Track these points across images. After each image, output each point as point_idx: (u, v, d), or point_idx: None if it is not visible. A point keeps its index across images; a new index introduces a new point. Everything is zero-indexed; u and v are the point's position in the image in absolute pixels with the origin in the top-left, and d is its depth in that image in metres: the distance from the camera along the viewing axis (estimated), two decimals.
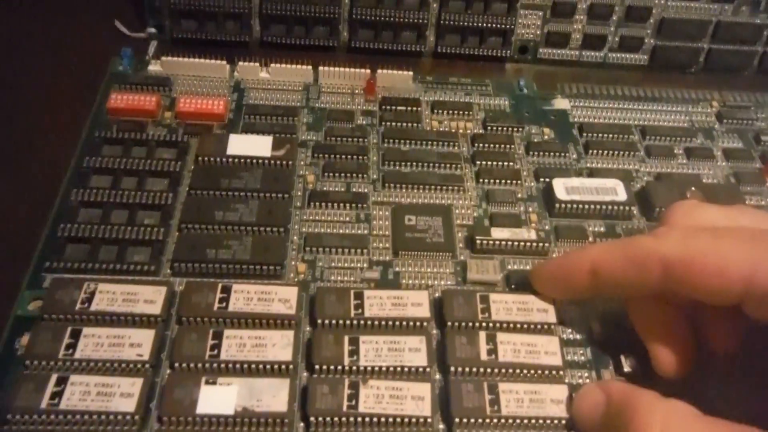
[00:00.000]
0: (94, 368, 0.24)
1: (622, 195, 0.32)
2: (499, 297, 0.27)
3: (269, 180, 0.31)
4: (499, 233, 0.30)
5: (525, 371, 0.25)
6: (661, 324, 0.25)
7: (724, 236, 0.22)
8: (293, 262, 0.29)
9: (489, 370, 0.25)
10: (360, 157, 0.33)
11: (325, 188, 0.32)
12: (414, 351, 0.25)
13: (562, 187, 0.32)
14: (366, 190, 0.32)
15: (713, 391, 0.23)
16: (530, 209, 0.32)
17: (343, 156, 0.33)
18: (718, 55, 0.42)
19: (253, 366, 0.24)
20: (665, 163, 0.35)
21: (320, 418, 0.23)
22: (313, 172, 0.32)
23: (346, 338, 0.25)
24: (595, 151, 0.35)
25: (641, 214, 0.32)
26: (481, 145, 0.34)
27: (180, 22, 0.39)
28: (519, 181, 0.33)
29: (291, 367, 0.25)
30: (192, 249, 0.28)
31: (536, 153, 0.34)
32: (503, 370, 0.25)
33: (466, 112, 0.36)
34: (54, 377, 0.23)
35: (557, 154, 0.34)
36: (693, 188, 0.33)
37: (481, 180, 0.33)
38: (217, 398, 0.23)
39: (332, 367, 0.25)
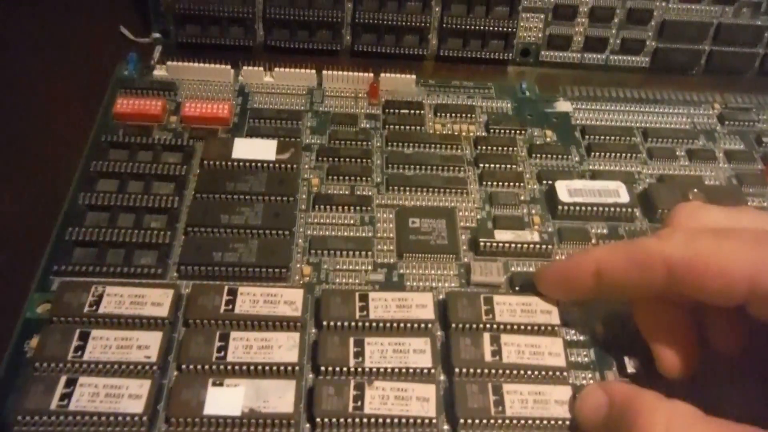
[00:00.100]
0: (103, 370, 0.24)
1: (624, 197, 0.32)
2: (503, 299, 0.27)
3: (274, 183, 0.31)
4: (502, 235, 0.30)
5: (529, 372, 0.25)
6: (665, 325, 0.25)
7: (727, 237, 0.22)
8: (298, 265, 0.29)
9: (493, 371, 0.25)
10: (364, 161, 0.33)
11: (329, 191, 0.32)
12: (419, 352, 0.25)
13: (564, 190, 0.32)
14: (370, 193, 0.32)
15: (716, 392, 0.24)
16: (533, 211, 0.32)
17: (347, 159, 0.33)
18: (719, 57, 0.42)
19: (260, 368, 0.25)
20: (667, 165, 0.35)
21: (326, 419, 0.24)
22: (318, 176, 0.33)
23: (352, 340, 0.25)
24: (597, 154, 0.35)
25: (644, 216, 0.32)
26: (483, 147, 0.35)
27: (185, 27, 0.40)
28: (522, 184, 0.33)
29: (297, 368, 0.25)
30: (198, 252, 0.28)
31: (539, 155, 0.35)
32: (507, 371, 0.25)
33: (469, 115, 0.36)
34: (63, 379, 0.24)
35: (560, 156, 0.35)
36: (695, 190, 0.33)
37: (484, 182, 0.33)
38: (224, 399, 0.24)
39: (338, 369, 0.25)
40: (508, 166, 0.34)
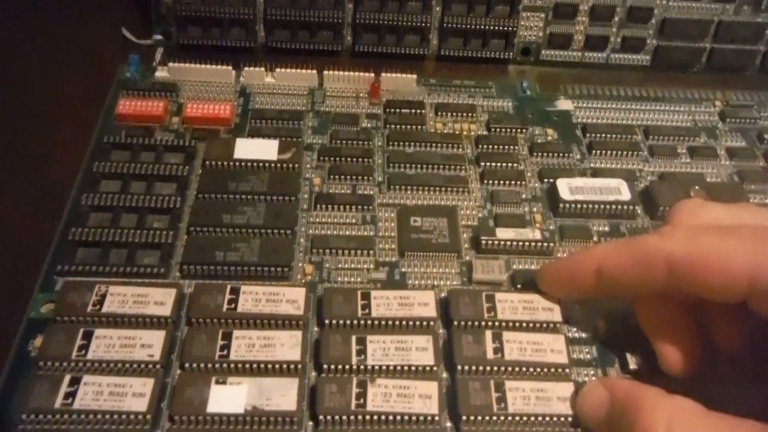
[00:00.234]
0: (107, 369, 0.24)
1: (626, 194, 0.32)
2: (505, 296, 0.27)
3: (276, 183, 0.31)
4: (503, 233, 0.30)
5: (531, 369, 0.25)
6: (667, 322, 0.25)
7: (728, 234, 0.22)
8: (300, 264, 0.29)
9: (495, 368, 0.25)
10: (365, 160, 0.33)
11: (331, 191, 0.32)
12: (421, 350, 0.25)
13: (566, 188, 0.32)
14: (371, 192, 0.32)
15: (718, 389, 0.24)
16: (534, 209, 0.32)
17: (349, 159, 0.33)
18: (720, 54, 0.42)
19: (262, 366, 0.25)
20: (668, 163, 0.35)
21: (329, 417, 0.24)
22: (319, 175, 0.33)
23: (354, 338, 0.25)
24: (598, 152, 0.35)
25: (645, 214, 0.32)
26: (485, 146, 0.35)
27: (186, 29, 0.40)
28: (523, 182, 0.33)
29: (299, 366, 0.25)
30: (200, 251, 0.28)
31: (540, 154, 0.35)
32: (509, 369, 0.25)
33: (470, 114, 0.36)
34: (67, 378, 0.24)
35: (561, 154, 0.35)
36: (697, 187, 0.33)
37: (485, 181, 0.33)
38: (227, 397, 0.24)
39: (340, 367, 0.25)
40: (510, 164, 0.34)
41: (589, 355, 0.27)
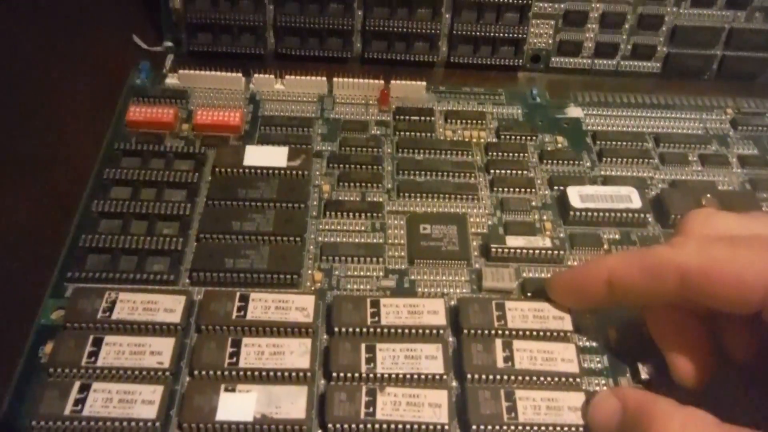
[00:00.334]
0: (116, 376, 0.24)
1: (636, 202, 0.32)
2: (515, 304, 0.27)
3: (285, 190, 0.31)
4: (513, 241, 0.30)
5: (542, 378, 0.25)
6: (679, 333, 0.25)
7: (741, 245, 0.22)
8: (310, 271, 0.29)
9: (506, 377, 0.25)
10: (374, 167, 0.33)
11: (340, 198, 0.32)
12: (430, 358, 0.25)
13: (576, 195, 0.32)
14: (381, 200, 0.32)
15: (731, 399, 0.23)
16: (544, 217, 0.32)
17: (358, 166, 0.33)
18: (731, 62, 0.41)
19: (272, 373, 0.25)
20: (680, 171, 0.35)
21: (338, 425, 0.24)
22: (329, 182, 0.33)
23: (363, 346, 0.25)
24: (608, 159, 0.35)
25: (656, 222, 0.32)
26: (494, 153, 0.34)
27: (196, 36, 0.40)
28: (533, 190, 0.33)
29: (309, 374, 0.25)
30: (210, 258, 0.28)
31: (550, 161, 0.34)
32: (520, 378, 0.25)
33: (480, 122, 0.36)
34: (77, 384, 0.24)
35: (571, 162, 0.35)
36: (708, 195, 0.33)
37: (495, 188, 0.33)
38: (236, 405, 0.24)
39: (349, 375, 0.25)
40: (519, 172, 0.34)
41: (600, 364, 0.27)
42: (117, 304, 0.26)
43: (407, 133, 0.35)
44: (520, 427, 0.24)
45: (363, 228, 0.31)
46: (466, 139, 0.35)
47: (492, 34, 0.40)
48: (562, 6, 0.40)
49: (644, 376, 0.26)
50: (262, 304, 0.26)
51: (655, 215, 0.32)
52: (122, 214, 0.30)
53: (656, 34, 0.41)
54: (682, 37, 0.41)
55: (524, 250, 0.30)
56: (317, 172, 0.33)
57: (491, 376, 0.25)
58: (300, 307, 0.27)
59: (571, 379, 0.25)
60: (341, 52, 0.40)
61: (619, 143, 0.36)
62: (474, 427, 0.24)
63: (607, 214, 0.31)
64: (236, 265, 0.28)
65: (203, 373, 0.25)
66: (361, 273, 0.29)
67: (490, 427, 0.24)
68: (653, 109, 0.38)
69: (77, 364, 0.24)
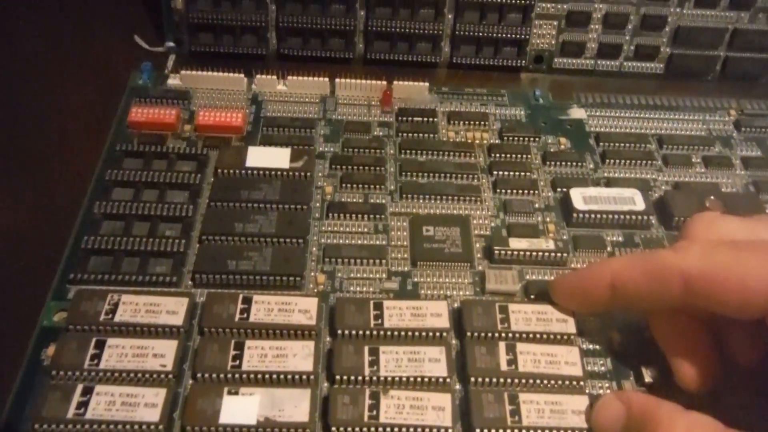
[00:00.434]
0: (119, 378, 0.24)
1: (640, 204, 0.31)
2: (518, 307, 0.27)
3: (288, 191, 0.31)
4: (517, 243, 0.30)
5: (545, 382, 0.25)
6: (683, 337, 0.25)
7: (745, 250, 0.22)
8: (312, 273, 0.29)
9: (509, 380, 0.25)
10: (377, 168, 0.33)
11: (343, 199, 0.32)
12: (434, 361, 0.25)
13: (579, 197, 0.32)
14: (384, 201, 0.32)
15: (736, 404, 0.23)
16: (548, 219, 0.32)
17: (361, 167, 0.33)
18: (735, 63, 0.41)
19: (275, 376, 0.25)
20: (683, 172, 0.35)
21: (341, 428, 0.23)
22: (331, 184, 0.33)
23: (366, 348, 0.25)
24: (612, 161, 0.35)
25: (660, 224, 0.32)
26: (497, 155, 0.34)
27: (198, 36, 0.40)
28: (536, 191, 0.33)
29: (312, 377, 0.25)
30: (213, 260, 0.28)
31: (553, 163, 0.34)
32: (523, 381, 0.25)
33: (483, 123, 0.36)
34: (80, 387, 0.24)
35: (574, 163, 0.34)
36: (712, 197, 0.32)
37: (498, 190, 0.33)
38: (240, 408, 0.24)
39: (353, 378, 0.25)
40: (522, 173, 0.34)
41: (604, 367, 0.27)
42: (119, 306, 0.26)
43: (410, 135, 0.35)
44: (523, 431, 0.24)
45: (366, 230, 0.31)
46: (469, 141, 0.35)
47: (495, 34, 0.40)
48: (565, 6, 0.40)
49: (648, 379, 0.26)
50: (265, 307, 0.26)
51: (658, 217, 0.32)
52: (124, 216, 0.30)
53: (659, 35, 0.41)
54: (685, 38, 0.41)
55: (527, 253, 0.29)
56: (320, 174, 0.33)
57: (495, 379, 0.25)
58: (303, 309, 0.26)
59: (574, 383, 0.25)
60: (344, 53, 0.40)
61: (622, 145, 0.35)
62: (477, 430, 0.24)
63: (610, 216, 0.31)
64: (239, 267, 0.28)
65: (206, 375, 0.25)
66: (364, 275, 0.29)
67: (493, 431, 0.24)
68: (656, 110, 0.38)
69: (80, 367, 0.24)
